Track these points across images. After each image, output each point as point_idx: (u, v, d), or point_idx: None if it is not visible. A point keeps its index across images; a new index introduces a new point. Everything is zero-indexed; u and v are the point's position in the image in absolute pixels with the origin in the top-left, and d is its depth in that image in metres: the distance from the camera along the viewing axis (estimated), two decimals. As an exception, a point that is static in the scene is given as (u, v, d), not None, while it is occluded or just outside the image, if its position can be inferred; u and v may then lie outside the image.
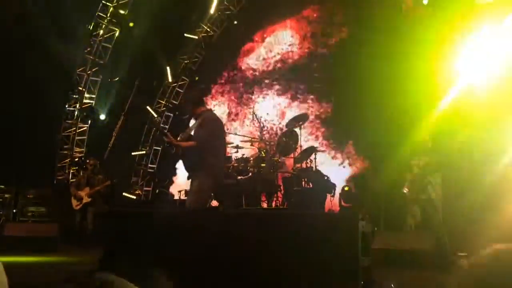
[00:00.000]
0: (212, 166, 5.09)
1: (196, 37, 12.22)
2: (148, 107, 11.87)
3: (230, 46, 12.34)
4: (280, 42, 11.69)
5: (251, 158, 7.61)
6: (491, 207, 6.00)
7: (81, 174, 8.88)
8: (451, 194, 6.34)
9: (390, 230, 6.60)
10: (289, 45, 11.49)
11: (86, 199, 8.23)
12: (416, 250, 5.07)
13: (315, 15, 11.10)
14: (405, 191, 6.15)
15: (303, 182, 7.56)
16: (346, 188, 8.35)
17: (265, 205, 7.49)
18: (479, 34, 7.16)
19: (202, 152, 5.02)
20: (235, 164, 7.53)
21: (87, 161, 8.87)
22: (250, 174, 7.40)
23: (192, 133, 5.24)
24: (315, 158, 7.92)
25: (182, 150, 5.08)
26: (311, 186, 7.53)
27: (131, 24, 11.22)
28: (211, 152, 5.08)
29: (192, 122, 5.48)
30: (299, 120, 8.07)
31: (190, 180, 5.27)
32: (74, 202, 8.30)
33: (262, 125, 7.84)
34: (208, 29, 12.32)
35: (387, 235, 5.65)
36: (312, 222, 3.24)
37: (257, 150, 7.71)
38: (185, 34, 12.07)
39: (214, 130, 5.25)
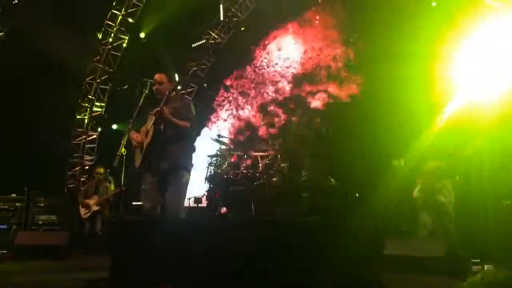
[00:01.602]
0: (191, 162, 4.49)
1: (204, 41, 12.29)
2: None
3: (237, 52, 12.39)
4: (284, 47, 11.74)
5: (260, 165, 7.59)
6: (503, 215, 5.92)
7: (89, 182, 8.91)
8: (464, 200, 6.26)
9: (401, 235, 6.51)
10: (292, 50, 11.54)
11: (94, 208, 8.25)
12: (427, 256, 5.00)
13: (317, 17, 11.10)
14: (415, 196, 6.08)
15: (313, 188, 7.53)
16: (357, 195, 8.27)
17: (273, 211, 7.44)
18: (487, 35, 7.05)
19: (187, 140, 4.39)
20: (244, 171, 7.53)
21: (95, 169, 8.90)
22: (259, 180, 7.38)
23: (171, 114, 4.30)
24: (324, 166, 7.86)
25: (164, 130, 4.24)
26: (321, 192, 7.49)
27: (141, 35, 11.31)
28: (192, 145, 4.54)
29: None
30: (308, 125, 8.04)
31: (150, 172, 4.37)
32: (83, 211, 8.32)
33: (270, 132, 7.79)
34: (216, 36, 12.39)
35: (398, 241, 5.57)
36: (319, 228, 3.21)
37: (266, 157, 7.68)
38: (193, 45, 12.16)
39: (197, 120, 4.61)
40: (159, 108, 4.22)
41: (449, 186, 5.95)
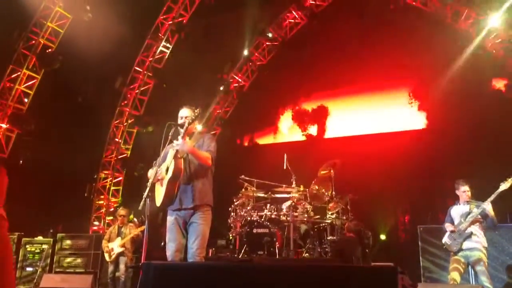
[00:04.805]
0: (211, 200, 4.29)
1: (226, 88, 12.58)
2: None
3: (261, 95, 12.63)
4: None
5: (284, 207, 7.51)
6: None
7: (113, 225, 8.91)
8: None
9: (432, 282, 6.28)
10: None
11: (118, 249, 8.20)
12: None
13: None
14: (446, 242, 5.87)
15: (338, 232, 7.37)
16: (383, 238, 8.07)
17: (298, 255, 7.29)
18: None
19: (209, 176, 4.30)
20: (268, 213, 7.45)
21: (118, 211, 8.88)
22: (283, 223, 7.28)
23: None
24: (349, 208, 7.73)
25: (185, 166, 4.13)
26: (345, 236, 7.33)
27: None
28: (211, 180, 4.34)
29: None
30: (329, 166, 7.92)
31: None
32: (107, 255, 8.28)
33: (293, 174, 7.72)
34: (240, 80, 12.68)
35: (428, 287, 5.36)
36: (348, 275, 3.11)
37: (290, 199, 7.58)
38: (221, 88, 12.46)
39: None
40: (182, 139, 4.12)
41: (478, 231, 5.74)
